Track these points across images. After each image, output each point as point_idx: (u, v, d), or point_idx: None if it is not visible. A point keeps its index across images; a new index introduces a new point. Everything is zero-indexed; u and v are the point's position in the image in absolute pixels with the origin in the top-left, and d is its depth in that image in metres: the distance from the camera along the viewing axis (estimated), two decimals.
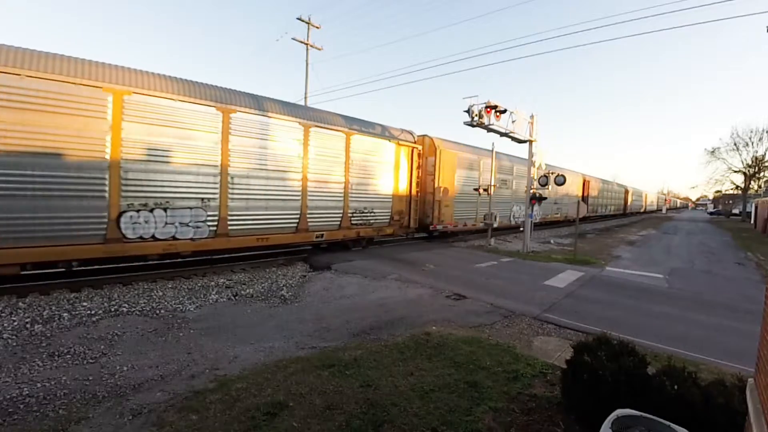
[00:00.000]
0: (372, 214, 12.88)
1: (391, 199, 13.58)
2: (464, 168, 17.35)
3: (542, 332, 6.25)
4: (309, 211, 10.77)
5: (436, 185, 15.55)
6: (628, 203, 49.50)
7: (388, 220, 13.56)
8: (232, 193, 9.13)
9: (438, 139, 16.08)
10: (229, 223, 9.14)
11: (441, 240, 17.14)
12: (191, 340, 5.34)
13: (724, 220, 55.77)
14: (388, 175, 13.42)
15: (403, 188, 14.10)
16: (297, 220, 10.54)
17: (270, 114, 9.80)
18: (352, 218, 12.13)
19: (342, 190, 11.74)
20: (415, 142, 14.60)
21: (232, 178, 9.08)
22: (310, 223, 10.84)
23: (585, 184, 31.71)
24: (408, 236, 16.48)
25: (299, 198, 10.54)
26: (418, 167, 14.73)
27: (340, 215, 11.74)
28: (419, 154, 14.74)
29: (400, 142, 13.80)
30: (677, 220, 49.49)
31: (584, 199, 30.21)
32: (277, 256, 11.44)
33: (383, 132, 13.33)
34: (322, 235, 11.21)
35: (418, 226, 15.64)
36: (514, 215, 21.58)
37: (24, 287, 7.03)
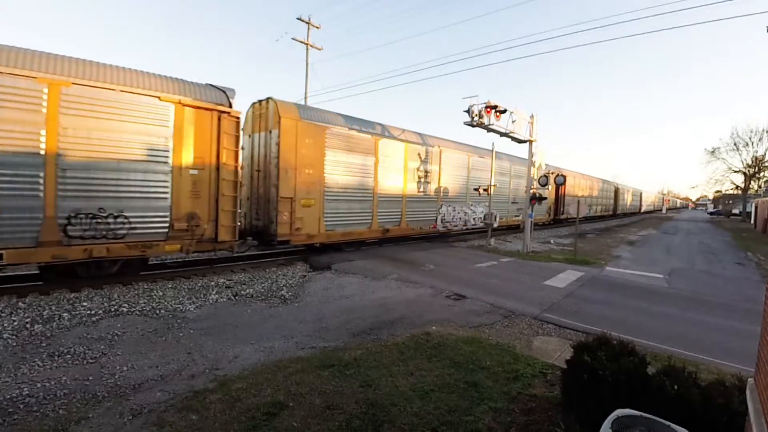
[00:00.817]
0: (123, 221, 7.72)
1: (168, 195, 8.28)
2: (347, 151, 12.19)
3: (542, 332, 6.25)
4: None
5: (281, 174, 10.39)
6: (620, 203, 47.30)
7: (165, 230, 8.25)
8: None
9: (286, 105, 10.69)
10: None
11: (441, 240, 17.14)
12: (191, 340, 5.34)
13: (724, 220, 55.79)
14: (161, 156, 8.15)
15: (198, 177, 8.71)
16: None
17: None
18: (70, 227, 7.10)
19: (38, 178, 6.77)
20: (230, 105, 9.01)
21: None
22: None
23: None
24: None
25: None
26: (236, 145, 9.23)
27: (38, 223, 6.78)
28: (237, 125, 9.19)
29: (187, 102, 8.31)
30: (677, 220, 49.48)
31: (558, 198, 27.37)
32: (278, 255, 11.44)
33: (146, 83, 7.95)
34: (0, 255, 6.47)
35: (255, 237, 10.97)
36: (443, 218, 16.48)
37: (24, 287, 7.05)
